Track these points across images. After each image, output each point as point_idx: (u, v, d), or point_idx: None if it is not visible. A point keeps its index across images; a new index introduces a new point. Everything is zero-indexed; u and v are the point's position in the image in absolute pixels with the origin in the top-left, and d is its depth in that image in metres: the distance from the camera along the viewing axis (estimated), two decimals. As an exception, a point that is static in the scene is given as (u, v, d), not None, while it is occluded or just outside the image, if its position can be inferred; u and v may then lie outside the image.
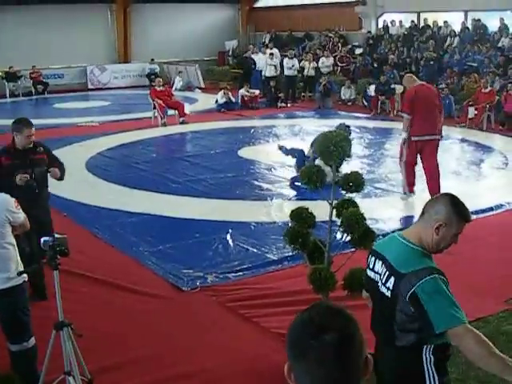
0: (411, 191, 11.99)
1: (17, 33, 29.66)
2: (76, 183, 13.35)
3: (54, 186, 12.77)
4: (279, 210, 11.22)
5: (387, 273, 3.85)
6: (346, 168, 13.04)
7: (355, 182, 5.87)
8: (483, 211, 11.22)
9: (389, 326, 3.86)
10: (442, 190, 12.01)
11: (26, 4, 29.84)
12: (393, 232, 4.33)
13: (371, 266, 4.05)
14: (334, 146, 5.59)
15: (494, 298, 7.82)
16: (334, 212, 5.94)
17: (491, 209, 11.39)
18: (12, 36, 29.54)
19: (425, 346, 3.79)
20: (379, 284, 3.92)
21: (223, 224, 10.58)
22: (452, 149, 17.22)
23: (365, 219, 5.78)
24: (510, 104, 19.42)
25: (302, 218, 5.85)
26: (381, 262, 3.95)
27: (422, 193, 11.68)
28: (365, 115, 21.89)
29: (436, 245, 3.86)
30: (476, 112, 19.48)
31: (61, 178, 7.97)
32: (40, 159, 7.72)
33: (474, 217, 10.59)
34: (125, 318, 7.40)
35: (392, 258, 3.87)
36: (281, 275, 8.48)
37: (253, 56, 28.77)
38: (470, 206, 10.85)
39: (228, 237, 9.97)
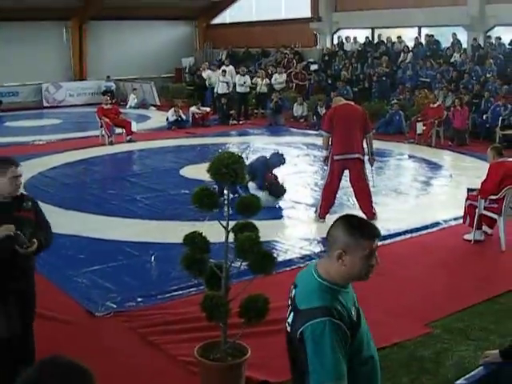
0: (322, 217, 11.66)
1: (-31, 50, 29.37)
2: (9, 204, 13.07)
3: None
4: (212, 231, 10.97)
5: (290, 306, 3.56)
6: (292, 184, 13.19)
7: (251, 206, 5.63)
8: (418, 229, 11.11)
9: (294, 364, 3.58)
10: (381, 208, 11.94)
11: (-21, 22, 29.50)
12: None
13: (290, 296, 3.69)
14: (226, 168, 5.37)
15: (416, 320, 7.64)
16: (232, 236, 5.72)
17: (426, 227, 11.25)
18: (-36, 54, 29.26)
19: None
20: (287, 317, 3.62)
21: (150, 246, 10.31)
22: (397, 165, 17.22)
23: (260, 244, 5.53)
24: (458, 120, 19.41)
25: (194, 242, 5.62)
26: (292, 294, 3.61)
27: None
28: (315, 132, 21.78)
29: (348, 275, 3.48)
30: (424, 128, 19.44)
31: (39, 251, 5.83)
32: (26, 218, 5.72)
33: (408, 235, 10.70)
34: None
35: (298, 291, 3.55)
36: (200, 299, 8.22)
37: (203, 73, 28.61)
38: (405, 224, 10.86)
39: (152, 259, 9.73)
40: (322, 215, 11.61)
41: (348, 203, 12.62)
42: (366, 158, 11.63)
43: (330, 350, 3.28)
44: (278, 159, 13.08)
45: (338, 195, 11.93)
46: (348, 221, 3.54)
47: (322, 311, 3.34)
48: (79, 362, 2.10)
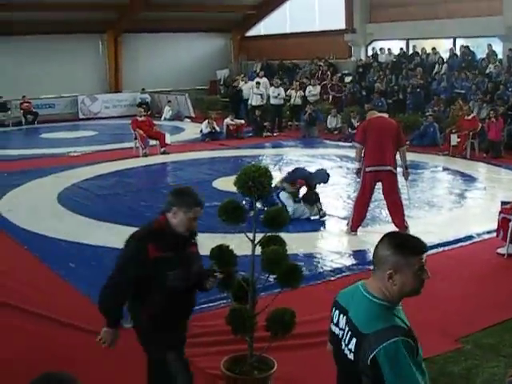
0: (353, 230, 11.62)
1: (7, 63, 29.90)
2: (43, 215, 13.27)
3: (19, 217, 12.79)
4: (242, 244, 10.94)
5: (350, 332, 3.45)
6: (325, 197, 13.14)
7: (277, 219, 5.61)
8: (451, 243, 10.97)
9: None
10: (414, 221, 11.85)
11: (17, 35, 29.91)
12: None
13: (335, 321, 3.64)
14: (253, 182, 5.36)
15: (446, 335, 7.55)
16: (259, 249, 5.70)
17: (459, 240, 11.12)
18: (2, 66, 29.72)
19: None
20: (342, 343, 3.51)
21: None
22: (431, 177, 17.08)
23: (287, 257, 5.51)
24: (493, 131, 19.22)
25: (220, 256, 5.60)
26: (344, 318, 3.54)
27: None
28: (349, 144, 21.68)
29: (399, 294, 3.43)
30: (459, 139, 19.27)
31: None
32: (195, 253, 5.32)
33: (440, 249, 10.57)
34: (57, 355, 7.10)
35: (354, 315, 3.46)
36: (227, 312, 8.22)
37: (240, 85, 28.69)
38: (438, 237, 10.72)
39: (182, 271, 9.72)
40: (353, 228, 11.58)
41: (380, 216, 12.55)
42: (400, 170, 11.57)
43: (408, 368, 3.24)
44: (322, 177, 13.05)
45: (370, 208, 11.88)
46: (393, 239, 3.50)
47: (390, 332, 3.30)
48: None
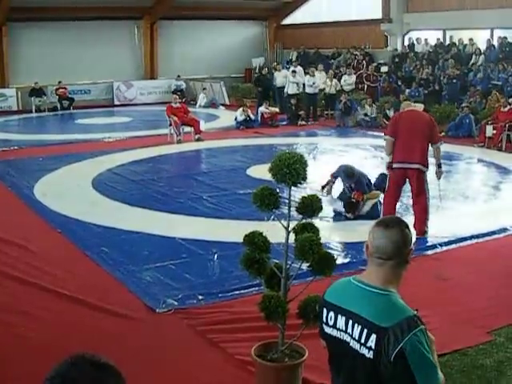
0: None
1: (43, 49, 30.07)
2: (78, 199, 13.40)
3: (54, 202, 12.91)
4: (275, 231, 10.94)
5: (365, 330, 3.23)
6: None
7: (312, 206, 5.60)
8: (484, 235, 10.85)
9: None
10: (448, 212, 11.74)
11: (53, 20, 30.09)
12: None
13: (330, 323, 3.43)
14: (288, 168, 5.35)
15: (479, 327, 7.48)
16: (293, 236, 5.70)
17: (493, 232, 11.00)
18: (39, 52, 29.97)
19: None
20: (353, 345, 3.30)
21: (213, 244, 10.36)
22: (466, 169, 16.95)
23: (320, 245, 5.50)
24: (529, 124, 19.02)
25: (254, 242, 5.61)
26: (344, 318, 3.35)
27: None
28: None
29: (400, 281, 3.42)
30: (494, 131, 19.10)
31: None
32: None
33: (474, 240, 10.49)
34: (88, 338, 7.12)
35: (366, 312, 3.25)
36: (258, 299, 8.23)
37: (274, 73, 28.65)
38: (471, 228, 10.63)
39: (215, 258, 9.77)
40: None
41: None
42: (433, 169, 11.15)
43: (431, 355, 3.19)
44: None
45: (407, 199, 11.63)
46: (403, 224, 3.41)
47: (412, 321, 3.19)
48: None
